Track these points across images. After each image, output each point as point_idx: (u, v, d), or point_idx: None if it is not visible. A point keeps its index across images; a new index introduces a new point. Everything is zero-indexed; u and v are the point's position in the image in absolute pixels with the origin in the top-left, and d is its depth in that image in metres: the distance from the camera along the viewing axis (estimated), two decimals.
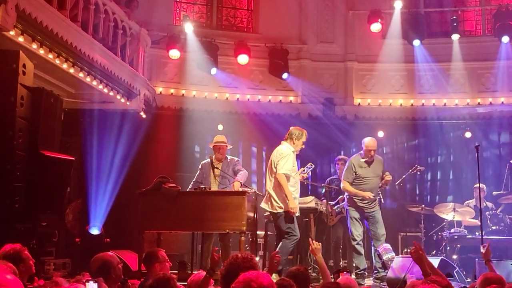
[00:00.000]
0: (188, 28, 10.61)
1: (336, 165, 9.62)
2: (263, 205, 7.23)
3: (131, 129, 9.96)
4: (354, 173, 7.98)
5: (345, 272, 4.40)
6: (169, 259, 5.65)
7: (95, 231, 9.07)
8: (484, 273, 4.59)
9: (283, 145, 7.32)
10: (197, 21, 11.57)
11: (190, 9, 12.10)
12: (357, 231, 7.91)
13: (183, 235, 8.61)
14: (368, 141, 8.06)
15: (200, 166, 8.10)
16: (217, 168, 7.87)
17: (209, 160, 8.03)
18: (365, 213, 7.95)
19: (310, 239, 6.63)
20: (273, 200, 7.03)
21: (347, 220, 8.11)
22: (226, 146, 8.04)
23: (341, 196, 8.84)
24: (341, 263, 9.05)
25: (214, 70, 10.95)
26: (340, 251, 9.09)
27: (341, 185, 8.15)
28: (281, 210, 6.99)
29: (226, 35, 11.66)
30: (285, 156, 7.08)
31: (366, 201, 7.92)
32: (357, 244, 7.90)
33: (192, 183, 8.03)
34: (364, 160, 8.02)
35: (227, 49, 11.30)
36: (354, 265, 8.14)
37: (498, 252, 8.80)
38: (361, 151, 8.15)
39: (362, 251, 7.94)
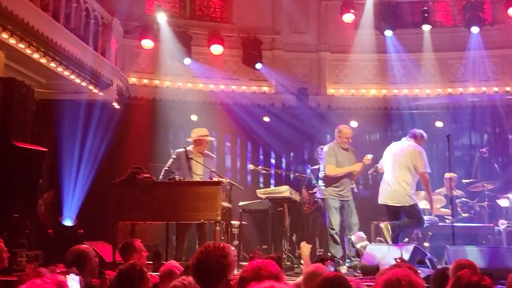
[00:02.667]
0: (161, 18, 10.52)
1: (319, 154, 9.70)
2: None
3: (104, 120, 9.87)
4: (335, 158, 8.06)
5: (329, 261, 4.44)
6: None
7: (68, 222, 9.00)
8: (457, 259, 4.71)
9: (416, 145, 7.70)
10: (170, 11, 11.48)
11: None
12: (335, 220, 7.94)
13: (158, 225, 8.59)
14: (344, 129, 8.16)
15: (174, 156, 7.99)
16: (196, 161, 7.85)
17: (183, 150, 7.97)
18: (341, 202, 8.04)
19: None
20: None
21: (325, 210, 8.15)
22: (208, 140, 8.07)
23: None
24: (317, 252, 9.17)
25: (187, 60, 10.90)
26: (316, 239, 9.19)
27: (326, 171, 8.08)
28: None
29: (199, 25, 11.61)
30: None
31: (344, 190, 8.01)
32: (335, 233, 7.97)
33: (164, 170, 7.87)
34: (341, 146, 8.11)
35: (200, 39, 11.25)
36: (329, 254, 8.22)
37: (468, 239, 9.04)
38: (336, 140, 8.21)
39: (339, 240, 8.04)
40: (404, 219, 7.61)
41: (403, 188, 7.55)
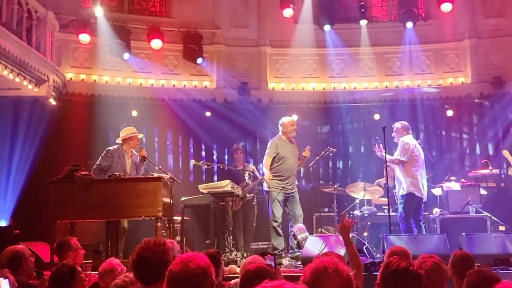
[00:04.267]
0: (98, 12, 10.28)
1: (235, 154, 9.79)
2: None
3: (40, 117, 9.60)
4: (276, 152, 8.16)
5: (269, 255, 4.47)
6: (84, 249, 5.57)
7: (2, 223, 8.71)
8: (390, 247, 4.87)
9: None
10: (107, 5, 11.22)
11: None
12: (278, 212, 8.11)
13: (98, 223, 8.42)
14: (288, 121, 8.31)
15: (107, 153, 7.77)
16: (129, 159, 7.79)
17: (116, 147, 7.83)
18: (285, 194, 8.15)
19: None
20: None
21: (268, 202, 8.25)
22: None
23: (243, 182, 9.11)
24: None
25: (126, 55, 10.72)
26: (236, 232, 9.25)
27: (263, 162, 8.29)
28: None
29: (138, 20, 11.42)
30: None
31: (288, 183, 8.14)
32: (278, 225, 8.10)
33: (94, 169, 7.61)
34: (284, 140, 8.23)
35: (140, 33, 11.09)
36: (272, 246, 8.32)
37: None
38: (281, 133, 8.32)
39: (281, 232, 8.16)
40: None
41: None
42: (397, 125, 8.45)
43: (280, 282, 2.10)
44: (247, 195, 9.33)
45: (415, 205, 8.08)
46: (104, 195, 6.96)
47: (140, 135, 8.19)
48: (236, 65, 11.98)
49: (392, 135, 8.44)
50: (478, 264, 5.28)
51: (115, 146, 7.88)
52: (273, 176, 8.18)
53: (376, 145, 8.22)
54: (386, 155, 8.17)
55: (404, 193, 8.08)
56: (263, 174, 8.59)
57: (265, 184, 8.29)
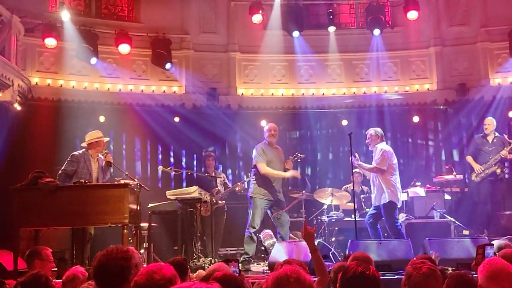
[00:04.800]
0: (65, 15, 10.16)
1: (207, 160, 9.76)
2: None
3: (4, 122, 9.43)
4: (266, 157, 8.14)
5: (233, 262, 4.47)
6: None
7: None
8: (353, 253, 4.92)
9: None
10: (74, 9, 11.12)
11: None
12: (258, 219, 8.06)
13: (63, 230, 8.29)
14: (274, 127, 8.34)
15: (73, 158, 7.67)
16: (96, 163, 7.70)
17: (81, 152, 7.74)
18: (270, 201, 8.11)
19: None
20: None
21: (251, 208, 8.15)
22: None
23: (215, 189, 9.13)
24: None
25: (94, 60, 10.62)
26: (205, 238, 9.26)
27: (260, 170, 8.13)
28: None
29: (106, 24, 11.32)
30: None
31: (275, 188, 8.16)
32: (255, 232, 8.08)
33: (59, 175, 7.52)
34: (269, 146, 8.21)
35: (107, 38, 10.99)
36: (243, 251, 8.29)
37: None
38: (266, 139, 8.34)
39: (255, 238, 8.15)
40: None
41: None
42: (371, 132, 8.36)
43: (190, 282, 2.11)
44: (219, 202, 9.36)
45: (395, 212, 8.15)
46: (70, 202, 6.85)
47: (106, 139, 8.10)
48: (205, 70, 11.97)
49: (366, 142, 8.41)
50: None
51: (81, 151, 7.78)
52: (260, 182, 8.11)
53: (353, 158, 8.17)
54: (364, 164, 8.21)
55: (386, 201, 8.01)
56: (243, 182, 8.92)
57: (251, 190, 8.21)
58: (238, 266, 4.11)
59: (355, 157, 8.13)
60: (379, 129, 8.48)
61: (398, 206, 8.31)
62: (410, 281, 3.17)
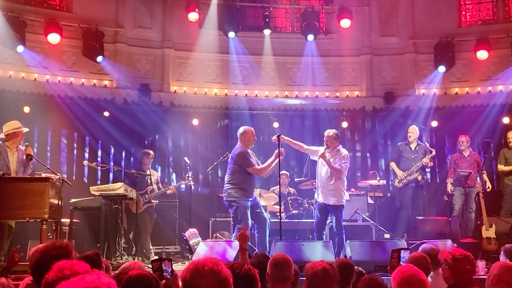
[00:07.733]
0: None
1: (146, 158, 9.59)
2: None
3: None
4: (254, 158, 7.98)
5: (167, 261, 4.41)
6: None
7: None
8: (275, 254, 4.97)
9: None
10: None
11: None
12: (249, 219, 7.67)
13: None
14: (249, 129, 8.05)
15: None
16: (14, 155, 7.42)
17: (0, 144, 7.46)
18: (251, 202, 7.87)
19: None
20: None
21: (238, 215, 7.70)
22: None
23: (149, 187, 9.01)
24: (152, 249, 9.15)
25: (20, 48, 10.22)
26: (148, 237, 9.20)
27: (255, 173, 7.88)
28: None
29: (35, 12, 10.92)
30: None
31: (255, 190, 8.15)
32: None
33: None
34: (249, 149, 7.97)
35: (36, 26, 10.63)
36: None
37: (297, 235, 9.60)
38: (242, 142, 7.96)
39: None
40: None
41: None
42: (329, 133, 8.21)
43: (82, 276, 2.07)
44: (153, 201, 9.24)
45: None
46: None
47: (26, 130, 7.78)
48: (138, 65, 11.79)
49: (325, 143, 8.19)
50: (362, 269, 5.54)
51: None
52: (241, 185, 7.76)
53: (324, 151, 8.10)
54: (331, 163, 8.03)
55: (341, 203, 8.07)
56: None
57: (231, 194, 7.75)
58: (171, 265, 4.04)
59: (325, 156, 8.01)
60: (336, 131, 8.39)
61: None
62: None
